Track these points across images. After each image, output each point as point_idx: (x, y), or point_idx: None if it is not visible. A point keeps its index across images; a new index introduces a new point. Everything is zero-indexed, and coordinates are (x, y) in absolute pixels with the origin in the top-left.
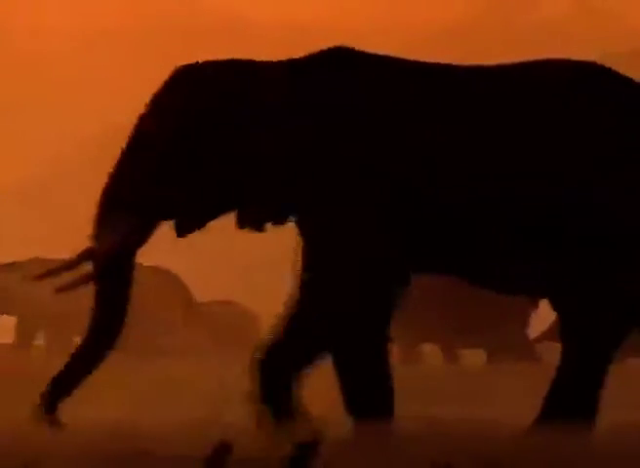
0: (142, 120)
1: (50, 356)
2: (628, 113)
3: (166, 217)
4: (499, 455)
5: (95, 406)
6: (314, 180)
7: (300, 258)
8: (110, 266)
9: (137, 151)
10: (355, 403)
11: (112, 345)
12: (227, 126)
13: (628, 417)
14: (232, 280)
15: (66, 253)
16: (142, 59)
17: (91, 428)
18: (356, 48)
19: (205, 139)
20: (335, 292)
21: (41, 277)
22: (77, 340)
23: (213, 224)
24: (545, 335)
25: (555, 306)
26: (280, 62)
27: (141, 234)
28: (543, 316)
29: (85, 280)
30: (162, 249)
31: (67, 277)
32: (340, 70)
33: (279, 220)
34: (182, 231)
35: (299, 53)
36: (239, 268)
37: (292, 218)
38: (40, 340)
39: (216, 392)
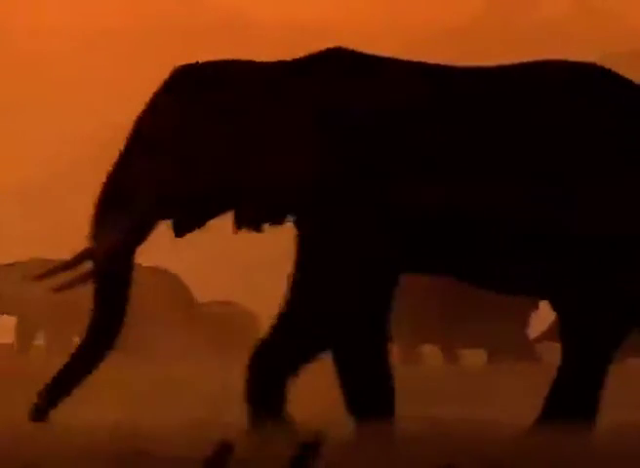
0: (140, 119)
1: (50, 356)
2: (627, 114)
3: (164, 217)
4: (500, 456)
5: (95, 406)
6: (314, 181)
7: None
8: (109, 266)
9: (134, 151)
10: (356, 403)
11: (111, 345)
12: (225, 126)
13: (628, 417)
14: (232, 280)
15: (66, 253)
16: (142, 59)
17: (91, 428)
18: (356, 48)
19: (202, 139)
20: (334, 292)
21: (40, 277)
22: (77, 340)
23: (213, 224)
24: (545, 335)
25: (555, 306)
26: (279, 62)
27: (140, 233)
28: (543, 316)
29: (83, 279)
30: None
31: (66, 277)
32: (337, 71)
33: (276, 221)
34: (180, 231)
35: (299, 53)
36: (239, 268)
37: (289, 219)
38: (40, 340)
39: (216, 392)
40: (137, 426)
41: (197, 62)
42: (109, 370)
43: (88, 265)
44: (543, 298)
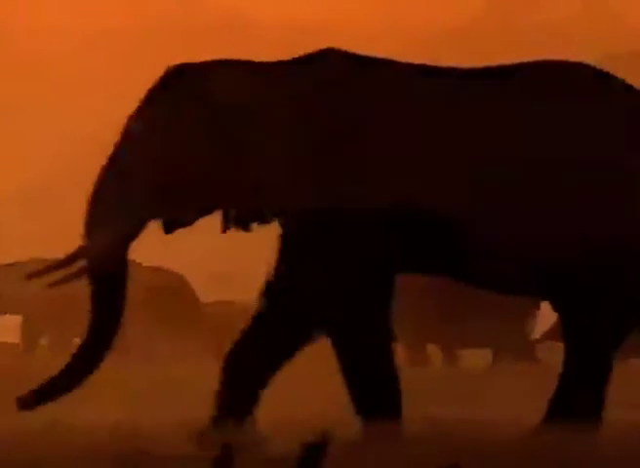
0: (132, 118)
1: (52, 356)
2: (626, 115)
3: (155, 216)
4: (505, 456)
5: (95, 406)
6: (313, 181)
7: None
8: (103, 264)
9: (125, 149)
10: (363, 403)
11: (110, 345)
12: (213, 126)
13: (629, 417)
14: (232, 280)
15: (66, 253)
16: (142, 59)
17: (91, 428)
18: (356, 48)
19: (192, 138)
20: (334, 292)
21: (35, 275)
22: (77, 341)
23: (212, 224)
24: (547, 335)
25: (556, 306)
26: (273, 63)
27: (132, 231)
28: (544, 316)
29: (77, 275)
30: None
31: (61, 274)
32: (331, 72)
33: (264, 220)
34: (170, 228)
35: (299, 53)
36: (240, 268)
37: (276, 219)
38: (41, 341)
39: (216, 392)
40: (137, 426)
41: (189, 63)
42: (109, 370)
43: (82, 263)
44: (544, 299)
